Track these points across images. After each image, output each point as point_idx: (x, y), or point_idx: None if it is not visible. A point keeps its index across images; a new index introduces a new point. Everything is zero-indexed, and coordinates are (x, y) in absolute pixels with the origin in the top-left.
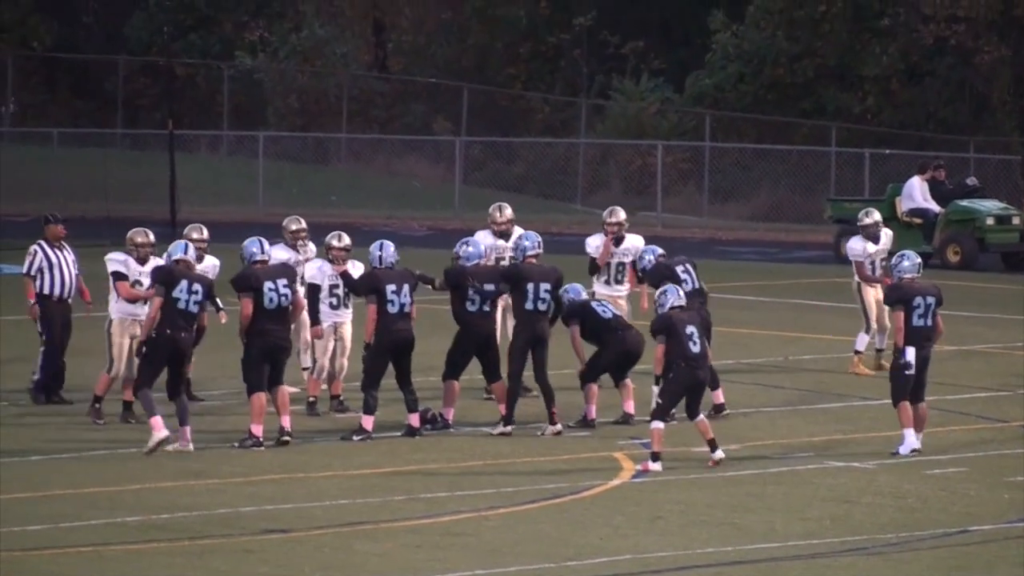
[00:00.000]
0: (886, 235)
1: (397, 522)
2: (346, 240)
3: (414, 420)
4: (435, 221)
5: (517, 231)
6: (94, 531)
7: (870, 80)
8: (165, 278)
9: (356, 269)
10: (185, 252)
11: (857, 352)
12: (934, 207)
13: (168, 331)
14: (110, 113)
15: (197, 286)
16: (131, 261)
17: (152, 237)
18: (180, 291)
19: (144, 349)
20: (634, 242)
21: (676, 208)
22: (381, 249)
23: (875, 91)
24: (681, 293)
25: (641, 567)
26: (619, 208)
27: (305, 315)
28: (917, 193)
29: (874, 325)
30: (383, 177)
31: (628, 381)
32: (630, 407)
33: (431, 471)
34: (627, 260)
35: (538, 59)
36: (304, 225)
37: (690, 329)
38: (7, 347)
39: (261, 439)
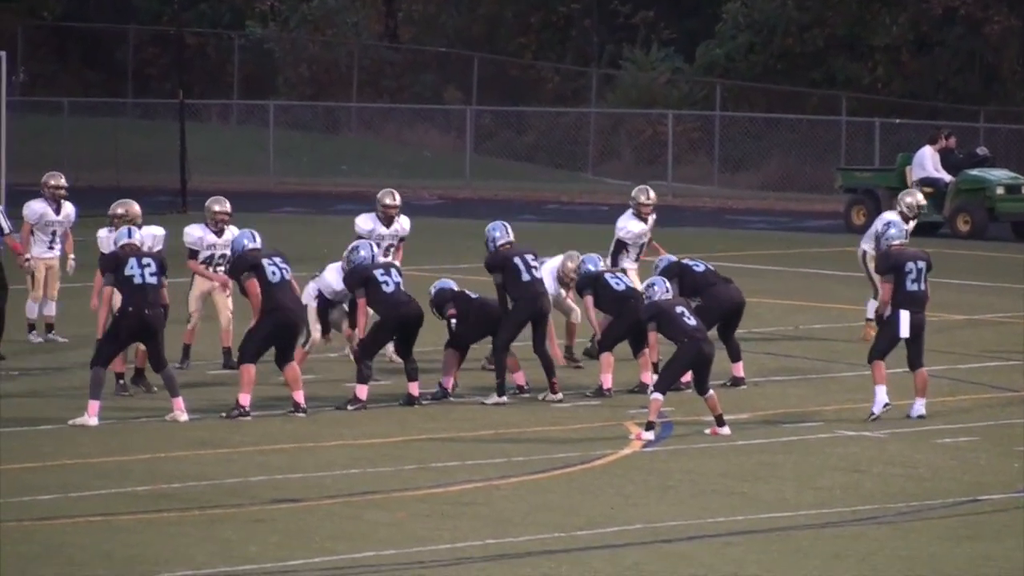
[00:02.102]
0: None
1: (408, 491)
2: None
3: (414, 389)
4: (446, 190)
5: (402, 219)
6: (103, 501)
7: (880, 50)
8: (109, 264)
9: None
10: (130, 236)
11: (868, 320)
12: (944, 177)
13: (130, 308)
14: (120, 83)
15: (148, 260)
16: (209, 234)
17: (228, 206)
18: (131, 268)
19: (109, 328)
20: (652, 216)
21: (687, 178)
22: (361, 252)
23: (885, 61)
24: (668, 286)
25: (652, 536)
26: (651, 188)
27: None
28: (928, 163)
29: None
30: (394, 146)
31: (646, 351)
32: (647, 377)
33: (442, 440)
34: (650, 236)
35: (549, 28)
36: (398, 201)
37: (679, 309)
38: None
39: (248, 409)
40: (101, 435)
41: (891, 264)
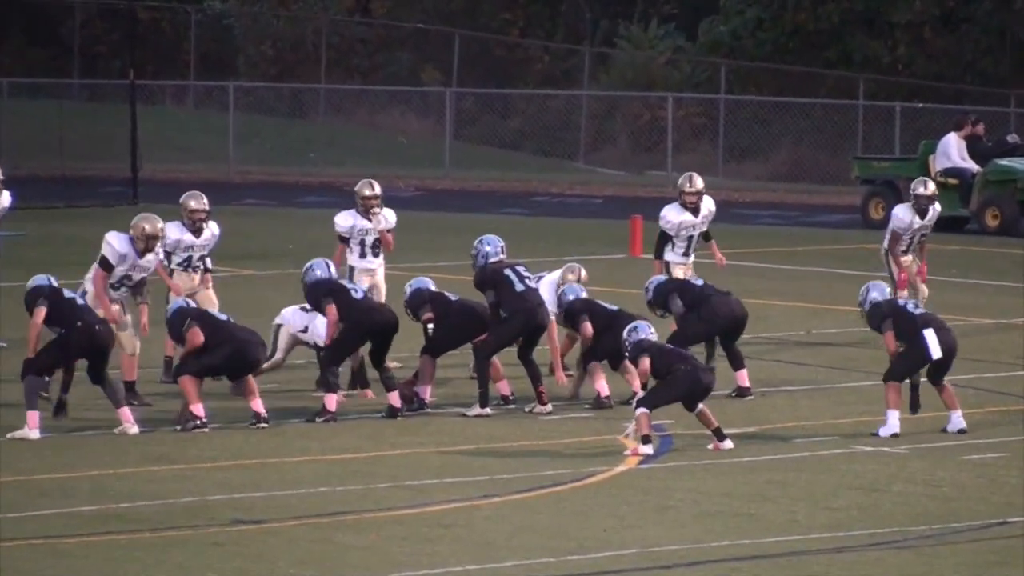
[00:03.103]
0: (934, 210)
1: (381, 512)
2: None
3: (394, 399)
4: (423, 180)
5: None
6: (46, 522)
7: (901, 27)
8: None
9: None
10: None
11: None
12: (971, 166)
13: (80, 323)
14: (65, 61)
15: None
16: (186, 234)
17: (206, 202)
18: (66, 293)
19: (58, 339)
20: (709, 206)
21: (688, 167)
22: (316, 271)
23: (907, 39)
24: (652, 330)
25: (649, 562)
26: (696, 175)
27: None
28: (953, 151)
29: (903, 294)
30: (366, 132)
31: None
32: (637, 385)
33: (419, 456)
34: (705, 228)
35: (537, 3)
36: (378, 191)
37: (670, 346)
38: None
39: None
40: (43, 450)
41: (883, 312)
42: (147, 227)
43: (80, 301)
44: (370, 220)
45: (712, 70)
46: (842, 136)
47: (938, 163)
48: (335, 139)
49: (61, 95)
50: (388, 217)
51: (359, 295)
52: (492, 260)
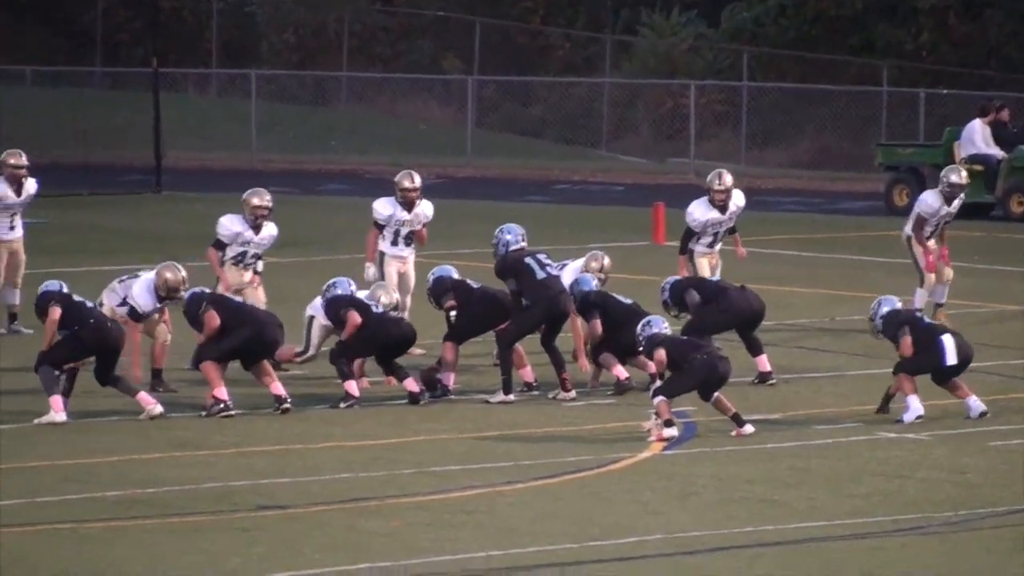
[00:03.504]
0: (960, 199)
1: (404, 498)
2: (418, 180)
3: (412, 384)
4: (445, 168)
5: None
6: (71, 507)
7: (925, 13)
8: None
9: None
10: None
11: (917, 311)
12: (997, 153)
13: (92, 321)
14: (88, 50)
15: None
16: (247, 231)
17: (269, 199)
18: (75, 298)
19: (71, 334)
20: (737, 202)
21: (710, 154)
22: (337, 289)
23: (930, 25)
24: (666, 324)
25: (672, 547)
26: (726, 172)
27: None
28: (978, 137)
29: (931, 277)
30: (388, 120)
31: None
32: (652, 368)
33: (442, 442)
34: (732, 223)
35: None
36: (418, 183)
37: (684, 336)
38: None
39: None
40: (68, 435)
41: (901, 319)
42: (169, 276)
43: (90, 304)
44: (409, 212)
45: (734, 57)
46: (865, 123)
47: (963, 150)
48: (357, 127)
49: (83, 83)
50: (426, 211)
51: (378, 310)
52: (513, 248)
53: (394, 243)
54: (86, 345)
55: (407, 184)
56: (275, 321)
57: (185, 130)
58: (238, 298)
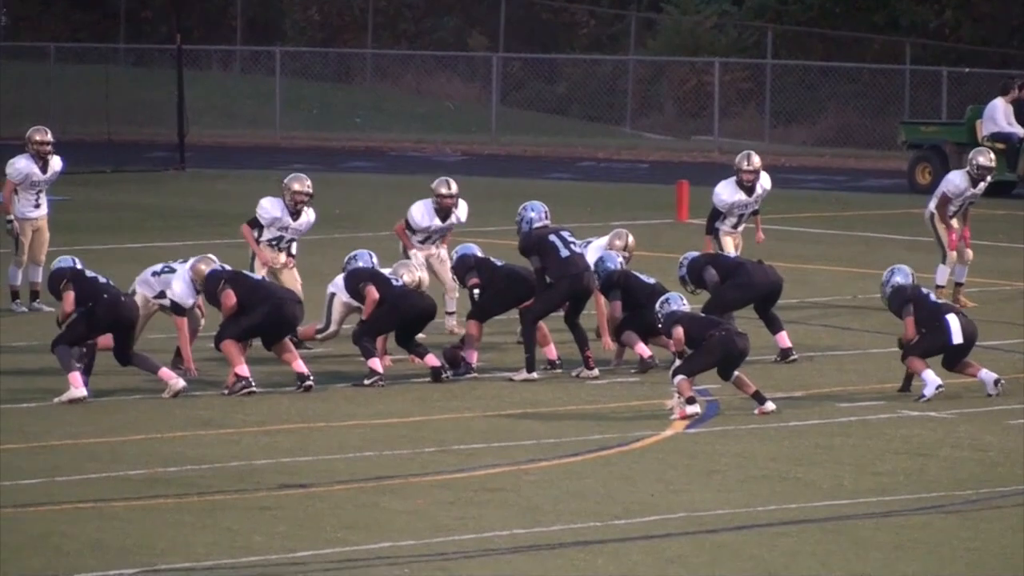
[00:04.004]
0: (987, 181)
1: (427, 476)
2: (454, 187)
3: (432, 360)
4: (469, 146)
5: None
6: (94, 485)
7: None
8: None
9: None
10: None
11: (939, 287)
12: (1018, 131)
13: (105, 296)
14: (112, 26)
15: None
16: (286, 216)
17: (309, 184)
18: (88, 273)
19: (84, 312)
20: (764, 184)
21: (735, 132)
22: (359, 262)
23: (953, 3)
24: (684, 301)
25: (696, 526)
26: (754, 154)
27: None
28: (1000, 116)
29: (952, 255)
30: (412, 97)
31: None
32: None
33: (465, 420)
34: (757, 206)
35: None
36: (455, 190)
37: (702, 314)
38: None
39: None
40: (92, 414)
41: (906, 296)
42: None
43: (103, 279)
44: (444, 221)
45: (758, 35)
46: (889, 101)
47: (985, 128)
48: (381, 104)
49: (108, 60)
50: (460, 216)
51: (398, 283)
52: (536, 226)
53: (422, 242)
54: (101, 321)
55: (443, 191)
56: (293, 298)
57: (209, 107)
58: (264, 275)
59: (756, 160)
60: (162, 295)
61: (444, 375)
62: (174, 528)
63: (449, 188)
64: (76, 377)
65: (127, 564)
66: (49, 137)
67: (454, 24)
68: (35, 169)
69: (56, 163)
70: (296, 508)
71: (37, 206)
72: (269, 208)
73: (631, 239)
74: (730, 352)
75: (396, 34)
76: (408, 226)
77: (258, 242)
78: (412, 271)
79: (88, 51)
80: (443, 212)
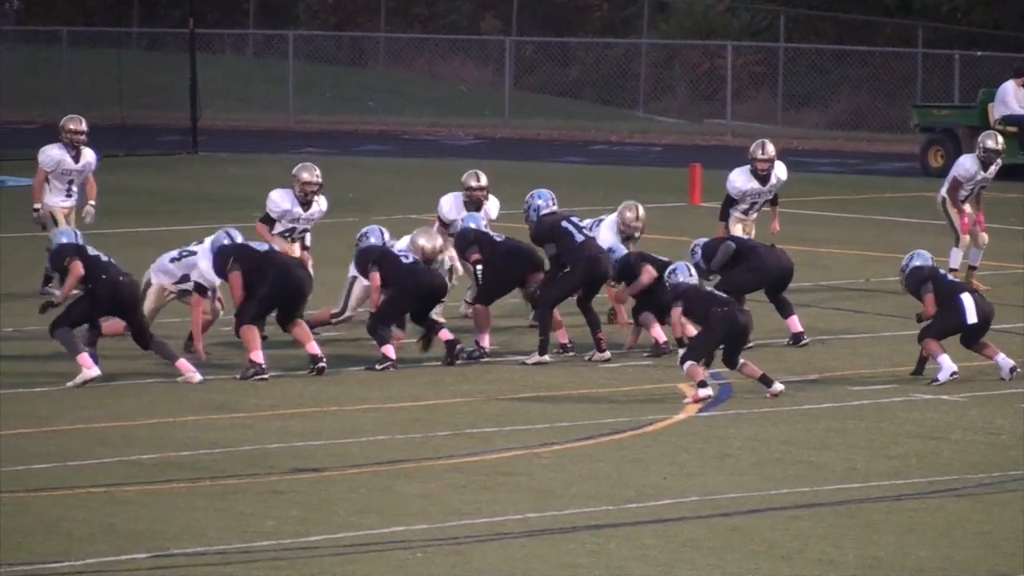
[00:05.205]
0: (997, 165)
1: (440, 460)
2: (484, 179)
3: (446, 335)
4: (483, 129)
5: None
6: (106, 470)
7: None
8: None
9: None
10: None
11: (952, 270)
12: None
13: (104, 276)
14: (125, 9)
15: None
16: (296, 206)
17: (319, 174)
18: (90, 251)
19: (84, 294)
20: (779, 174)
21: (747, 115)
22: (371, 239)
23: None
24: (692, 271)
25: (709, 509)
26: (769, 142)
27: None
28: (1011, 99)
29: (965, 238)
30: (426, 81)
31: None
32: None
33: (478, 404)
34: (772, 195)
35: None
36: (484, 183)
37: (708, 288)
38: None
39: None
40: (103, 398)
41: (924, 275)
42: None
43: (104, 258)
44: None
45: (771, 18)
46: (901, 84)
47: (996, 111)
48: (394, 87)
49: (120, 44)
50: (491, 212)
51: (408, 260)
52: (544, 212)
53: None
54: (101, 302)
55: (473, 183)
56: (301, 264)
57: (222, 91)
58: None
59: (771, 149)
60: (184, 279)
61: (458, 349)
62: (186, 513)
63: (479, 181)
64: (85, 357)
65: (139, 549)
66: (84, 127)
67: (467, 7)
68: (67, 158)
69: (89, 154)
70: (309, 492)
71: (68, 196)
72: (279, 201)
73: (641, 210)
74: (733, 328)
75: (409, 18)
76: (442, 223)
77: (272, 235)
78: (432, 237)
79: (101, 35)
80: (473, 204)
